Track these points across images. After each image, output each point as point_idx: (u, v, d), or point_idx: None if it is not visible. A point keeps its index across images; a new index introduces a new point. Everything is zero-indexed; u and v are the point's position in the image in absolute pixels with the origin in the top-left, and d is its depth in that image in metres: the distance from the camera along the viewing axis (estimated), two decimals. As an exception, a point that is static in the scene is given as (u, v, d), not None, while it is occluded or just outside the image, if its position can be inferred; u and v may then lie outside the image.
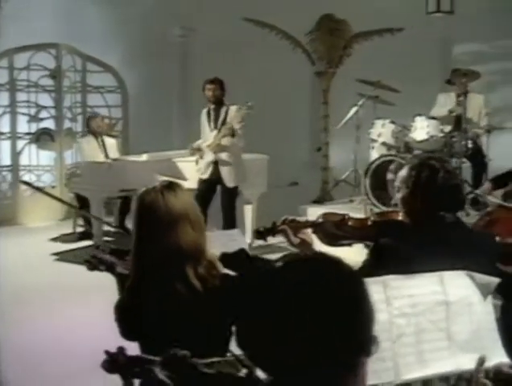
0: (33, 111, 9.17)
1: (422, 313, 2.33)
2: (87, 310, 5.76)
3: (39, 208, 8.95)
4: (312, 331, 1.36)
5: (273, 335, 1.36)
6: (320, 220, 2.98)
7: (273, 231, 3.07)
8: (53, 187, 9.20)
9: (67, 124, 9.35)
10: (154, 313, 2.51)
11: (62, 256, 7.46)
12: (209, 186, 7.25)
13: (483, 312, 2.41)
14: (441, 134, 7.22)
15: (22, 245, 7.83)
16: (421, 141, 7.29)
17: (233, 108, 7.18)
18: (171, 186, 2.70)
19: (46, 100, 9.15)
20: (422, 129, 7.29)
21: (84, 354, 4.82)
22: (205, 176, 7.18)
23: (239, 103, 7.28)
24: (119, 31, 10.53)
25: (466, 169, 7.68)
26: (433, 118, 7.39)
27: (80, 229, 8.33)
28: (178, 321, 2.49)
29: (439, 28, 11.49)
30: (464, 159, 7.37)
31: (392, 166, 7.53)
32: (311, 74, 11.29)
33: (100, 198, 7.64)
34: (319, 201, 10.49)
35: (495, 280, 2.42)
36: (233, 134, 7.03)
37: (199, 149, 7.26)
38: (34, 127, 9.20)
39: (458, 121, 7.56)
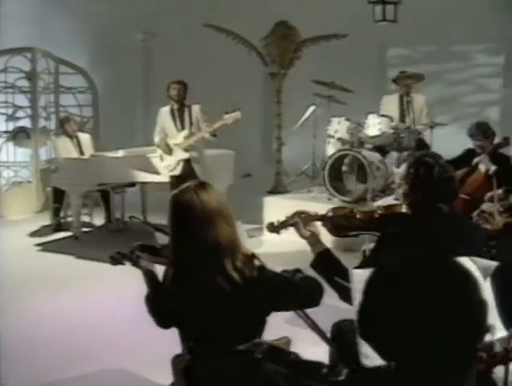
0: (10, 111, 9.16)
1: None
2: (77, 296, 5.82)
3: (17, 202, 8.94)
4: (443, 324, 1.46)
5: (403, 328, 1.44)
6: (330, 214, 3.15)
7: (285, 224, 3.21)
8: (29, 182, 9.19)
9: (41, 122, 9.35)
10: (195, 304, 2.52)
11: (45, 247, 7.49)
12: (181, 182, 7.32)
13: (488, 292, 2.62)
14: (392, 131, 7.52)
15: (7, 237, 7.78)
16: (374, 137, 7.59)
17: (195, 107, 7.30)
18: (203, 185, 2.70)
19: (22, 100, 9.15)
20: (374, 126, 7.57)
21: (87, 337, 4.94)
22: (176, 172, 7.27)
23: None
24: (87, 36, 10.55)
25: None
26: (384, 116, 7.66)
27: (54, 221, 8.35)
28: (218, 311, 2.49)
29: (377, 34, 11.91)
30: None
31: (346, 160, 7.84)
32: (264, 75, 11.51)
33: (79, 192, 7.68)
34: (273, 191, 10.77)
35: (493, 263, 2.63)
36: (214, 134, 7.16)
37: (164, 146, 7.29)
38: (11, 126, 9.20)
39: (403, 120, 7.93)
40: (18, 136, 9.05)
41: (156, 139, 7.39)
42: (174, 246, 2.63)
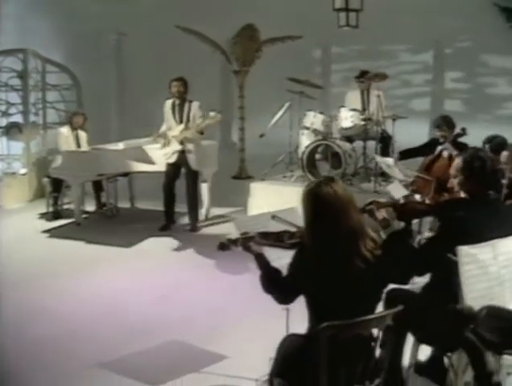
0: (3, 107, 8.92)
1: (508, 264, 2.76)
2: (106, 278, 5.77)
3: (12, 192, 8.66)
4: None
5: None
6: (402, 201, 3.31)
7: (364, 210, 3.29)
8: (22, 174, 8.94)
9: (32, 118, 9.05)
10: (336, 281, 2.61)
11: (52, 233, 7.33)
12: (176, 169, 7.33)
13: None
14: (362, 123, 7.73)
15: (12, 225, 7.56)
16: (347, 128, 7.78)
17: (195, 104, 7.28)
18: (333, 180, 2.78)
19: (14, 97, 8.89)
20: (346, 119, 7.76)
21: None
22: (172, 160, 7.25)
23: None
24: (64, 37, 10.30)
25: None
26: (354, 110, 7.87)
27: (51, 209, 8.15)
28: (354, 286, 2.61)
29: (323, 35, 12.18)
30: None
31: (320, 149, 8.01)
32: (228, 72, 11.56)
33: (80, 181, 7.54)
34: (237, 177, 10.88)
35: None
36: (201, 132, 7.18)
37: (164, 137, 7.24)
38: (4, 121, 9.00)
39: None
40: (11, 131, 8.82)
41: (163, 129, 7.34)
42: (313, 233, 2.70)
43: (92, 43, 10.33)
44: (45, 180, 8.16)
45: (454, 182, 3.24)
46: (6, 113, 8.87)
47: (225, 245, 3.08)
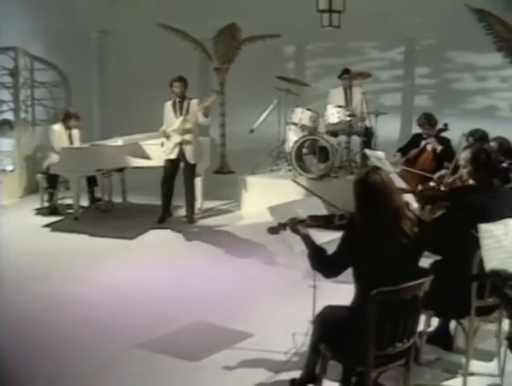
0: (-5, 105, 9.12)
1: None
2: (119, 268, 6.13)
3: (3, 188, 8.89)
4: None
5: None
6: (420, 188, 3.83)
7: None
8: (11, 171, 9.17)
9: (22, 115, 9.30)
10: (382, 255, 3.05)
11: (54, 228, 7.63)
12: (175, 164, 7.69)
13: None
14: (348, 118, 8.27)
15: (10, 220, 7.79)
16: (333, 124, 8.31)
17: (194, 102, 7.67)
18: (378, 168, 3.25)
19: (5, 95, 9.08)
20: (333, 115, 8.30)
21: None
22: (172, 156, 7.60)
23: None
24: (46, 35, 10.54)
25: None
26: (340, 106, 8.40)
27: (46, 204, 8.45)
28: (399, 259, 3.06)
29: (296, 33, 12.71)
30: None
31: (307, 143, 8.52)
32: (206, 70, 11.98)
33: (79, 177, 7.86)
34: (218, 171, 11.32)
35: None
36: (206, 115, 7.54)
37: (165, 134, 7.56)
38: (-5, 119, 9.19)
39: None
40: (2, 128, 9.03)
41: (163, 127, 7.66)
42: (364, 214, 3.15)
43: (75, 41, 10.59)
44: (39, 176, 8.44)
45: (463, 172, 3.78)
46: (-3, 111, 9.11)
47: (275, 229, 3.52)
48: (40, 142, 9.39)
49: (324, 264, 3.24)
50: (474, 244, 3.27)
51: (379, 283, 2.96)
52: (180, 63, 11.76)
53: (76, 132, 8.47)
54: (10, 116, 9.21)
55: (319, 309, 3.56)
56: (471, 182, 3.76)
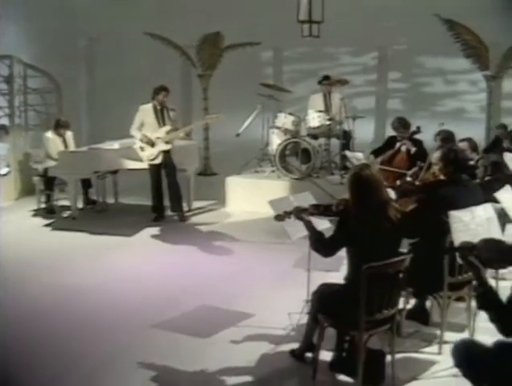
0: (-9, 111, 9.65)
1: (481, 223, 4.02)
2: (123, 260, 6.75)
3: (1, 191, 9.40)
4: None
5: None
6: (399, 183, 4.54)
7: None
8: (5, 175, 9.67)
9: (16, 120, 9.84)
10: (373, 237, 3.70)
11: (54, 226, 8.19)
12: (160, 168, 8.23)
13: (498, 225, 4.14)
14: (327, 122, 8.99)
15: (10, 221, 8.37)
16: (314, 128, 9.02)
17: (172, 113, 8.23)
18: (369, 165, 3.93)
19: (0, 101, 9.60)
20: (314, 119, 9.00)
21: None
22: (157, 161, 8.15)
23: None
24: (37, 42, 11.07)
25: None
26: (320, 111, 9.11)
27: (43, 205, 9.00)
28: (384, 240, 3.72)
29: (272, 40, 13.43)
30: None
31: (289, 146, 9.20)
32: (188, 77, 12.63)
33: (77, 179, 8.44)
34: (202, 173, 11.93)
35: (498, 206, 4.17)
36: (187, 134, 8.24)
37: (147, 140, 8.07)
38: (-9, 124, 9.72)
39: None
40: (-1, 133, 9.54)
41: (134, 132, 8.14)
42: (358, 202, 3.82)
43: (65, 48, 11.16)
44: (36, 179, 8.99)
45: (435, 169, 4.51)
46: (-7, 116, 9.64)
47: (281, 216, 4.19)
48: (32, 146, 9.91)
49: (323, 244, 3.92)
50: (445, 228, 3.99)
51: (369, 260, 3.64)
52: (164, 70, 12.49)
53: (69, 134, 9.02)
54: (5, 121, 9.72)
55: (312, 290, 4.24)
56: (442, 177, 4.48)
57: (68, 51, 11.33)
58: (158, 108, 8.19)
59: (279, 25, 12.28)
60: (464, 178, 4.49)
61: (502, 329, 3.00)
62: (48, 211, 8.82)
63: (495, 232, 4.02)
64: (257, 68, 13.80)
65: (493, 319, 3.03)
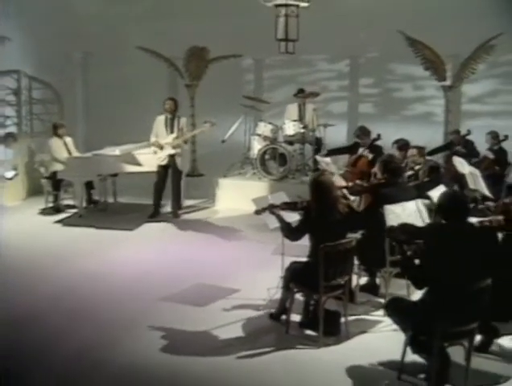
0: (1, 120, 11.04)
1: (410, 214, 5.54)
2: (125, 252, 8.15)
3: (10, 192, 10.75)
4: None
5: None
6: (351, 184, 6.05)
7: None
8: (12, 178, 11.00)
9: (23, 128, 11.25)
10: (329, 227, 5.14)
11: (64, 223, 9.59)
12: (166, 170, 9.70)
13: (426, 216, 5.69)
14: (302, 130, 10.49)
15: (22, 219, 9.77)
16: (291, 135, 10.53)
17: (183, 119, 9.71)
18: (325, 172, 5.43)
19: (9, 111, 11.04)
20: (289, 128, 10.51)
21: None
22: (164, 163, 9.62)
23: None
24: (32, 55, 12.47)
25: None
26: (295, 120, 10.62)
27: (50, 205, 10.40)
28: (338, 229, 5.20)
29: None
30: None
31: (268, 151, 10.70)
32: (175, 86, 14.08)
33: (83, 181, 9.85)
34: (190, 175, 13.33)
35: (428, 202, 5.71)
36: (185, 142, 9.67)
37: (157, 144, 9.55)
38: (1, 132, 11.16)
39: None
40: (7, 140, 10.86)
41: (151, 139, 9.61)
42: (316, 200, 5.28)
43: (63, 61, 12.58)
44: (44, 181, 10.39)
45: (378, 173, 6.03)
46: (3, 125, 11.04)
47: (259, 211, 5.65)
48: (37, 152, 11.28)
49: (291, 232, 5.42)
50: (383, 218, 5.52)
51: (325, 241, 5.15)
52: (154, 80, 13.91)
53: (69, 140, 10.41)
54: (13, 129, 11.13)
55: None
56: (382, 180, 6.02)
57: (66, 65, 12.74)
58: (169, 117, 9.58)
59: (260, 38, 13.65)
60: (399, 181, 6.02)
61: (415, 283, 4.49)
62: (56, 210, 10.20)
63: (421, 221, 5.57)
64: (239, 76, 15.23)
65: (409, 277, 4.55)
